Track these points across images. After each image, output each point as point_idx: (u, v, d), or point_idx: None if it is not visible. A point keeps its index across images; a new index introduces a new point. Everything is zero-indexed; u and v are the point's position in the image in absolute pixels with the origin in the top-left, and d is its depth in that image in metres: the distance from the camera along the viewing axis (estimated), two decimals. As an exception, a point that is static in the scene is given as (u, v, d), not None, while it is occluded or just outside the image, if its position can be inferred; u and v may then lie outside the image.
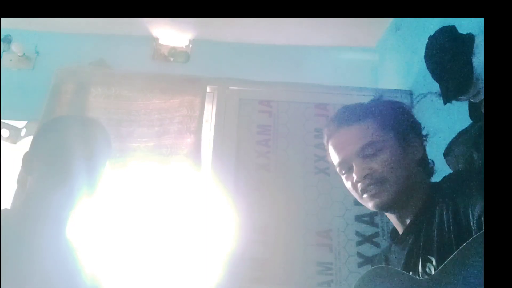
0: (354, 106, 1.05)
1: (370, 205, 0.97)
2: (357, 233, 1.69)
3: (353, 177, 0.97)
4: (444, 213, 0.86)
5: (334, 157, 1.03)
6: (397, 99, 1.13)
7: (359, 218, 1.71)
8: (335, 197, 1.74)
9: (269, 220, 1.68)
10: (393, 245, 1.03)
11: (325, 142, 1.07)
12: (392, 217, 1.01)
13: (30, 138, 1.69)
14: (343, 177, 1.03)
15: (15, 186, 1.52)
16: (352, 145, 0.97)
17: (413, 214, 0.95)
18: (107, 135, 1.15)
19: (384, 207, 0.96)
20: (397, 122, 1.00)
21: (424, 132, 1.04)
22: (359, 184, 0.96)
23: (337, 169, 1.03)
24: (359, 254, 1.65)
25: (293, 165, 1.78)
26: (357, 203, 1.72)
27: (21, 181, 1.48)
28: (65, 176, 0.98)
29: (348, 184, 1.01)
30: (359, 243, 1.66)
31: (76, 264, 1.01)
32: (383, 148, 0.95)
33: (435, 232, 0.87)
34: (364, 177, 0.94)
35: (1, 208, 0.97)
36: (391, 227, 1.09)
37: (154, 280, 1.71)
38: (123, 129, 1.81)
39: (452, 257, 0.69)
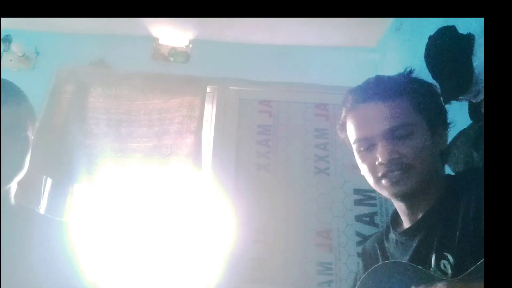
0: (387, 79, 0.94)
1: (386, 193, 0.88)
2: (357, 233, 1.69)
3: (376, 158, 0.87)
4: (472, 209, 0.78)
5: (354, 132, 0.92)
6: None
7: (359, 218, 1.71)
8: (335, 197, 1.74)
9: (269, 220, 1.68)
10: (392, 233, 0.96)
11: (343, 111, 0.97)
12: (402, 207, 0.92)
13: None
14: (358, 155, 0.93)
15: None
16: (381, 123, 0.87)
17: (427, 205, 0.88)
18: (21, 95, 1.01)
19: (403, 196, 0.88)
20: (429, 105, 0.90)
21: (448, 120, 0.95)
22: (381, 167, 0.86)
23: (354, 146, 0.93)
24: (359, 254, 1.64)
25: (293, 165, 1.79)
26: (357, 203, 1.74)
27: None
28: None
29: (363, 166, 0.91)
30: (359, 243, 1.66)
31: (74, 268, 1.00)
32: (414, 132, 0.86)
33: (458, 229, 0.79)
34: (390, 160, 0.85)
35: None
36: (391, 215, 1.02)
37: (154, 280, 1.71)
38: (123, 129, 1.81)
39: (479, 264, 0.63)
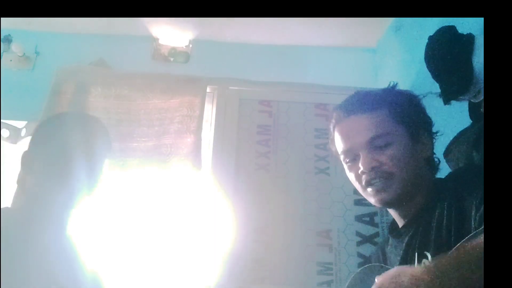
0: (367, 93, 1.00)
1: (373, 200, 0.94)
2: (357, 233, 1.69)
3: (359, 168, 0.92)
4: (446, 209, 0.84)
5: (340, 144, 0.99)
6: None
7: (359, 218, 1.71)
8: (335, 197, 1.74)
9: (269, 220, 1.68)
10: (390, 238, 1.01)
11: (331, 127, 1.03)
12: (393, 213, 0.98)
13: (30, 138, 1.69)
14: (345, 166, 0.99)
15: (15, 186, 1.52)
16: (361, 134, 0.93)
17: (415, 210, 0.93)
18: (107, 133, 1.14)
19: (388, 203, 0.93)
20: (410, 115, 0.95)
21: (434, 129, 1.00)
22: (364, 176, 0.92)
23: (341, 157, 0.99)
24: (359, 254, 1.65)
25: (293, 165, 1.78)
26: (357, 203, 1.74)
27: (21, 181, 1.48)
28: (66, 176, 0.97)
29: (351, 175, 0.98)
30: (359, 243, 1.66)
31: (78, 264, 1.01)
32: (393, 141, 0.92)
33: (433, 228, 0.85)
34: (371, 169, 0.90)
35: (2, 207, 0.96)
36: (390, 221, 1.08)
37: (154, 280, 1.71)
38: (123, 129, 1.81)
39: (446, 256, 0.68)
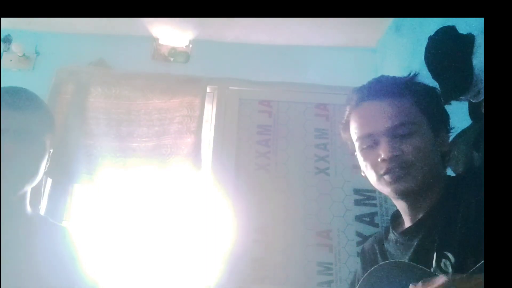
0: (391, 79, 0.96)
1: (388, 189, 0.89)
2: (357, 233, 1.69)
3: (379, 154, 0.88)
4: (473, 208, 0.79)
5: (357, 129, 0.94)
6: None
7: (359, 218, 1.71)
8: (335, 197, 1.74)
9: (269, 220, 1.68)
10: (394, 234, 0.96)
11: (347, 109, 0.98)
12: (403, 206, 0.93)
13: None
14: (361, 152, 0.94)
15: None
16: (385, 120, 0.89)
17: (428, 206, 0.89)
18: (45, 109, 1.02)
19: (404, 193, 0.89)
20: (432, 107, 0.93)
21: (451, 125, 0.97)
22: (383, 164, 0.88)
23: (357, 143, 0.95)
24: (359, 254, 1.64)
25: (293, 165, 1.79)
26: (357, 203, 1.74)
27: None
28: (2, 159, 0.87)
29: (365, 162, 0.93)
30: (359, 243, 1.66)
31: (74, 261, 1.00)
32: (417, 131, 0.88)
33: (458, 228, 0.80)
34: (393, 156, 0.86)
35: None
36: (392, 215, 1.03)
37: (154, 280, 1.71)
38: (123, 129, 1.81)
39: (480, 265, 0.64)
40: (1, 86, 1.00)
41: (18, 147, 0.90)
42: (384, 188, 0.90)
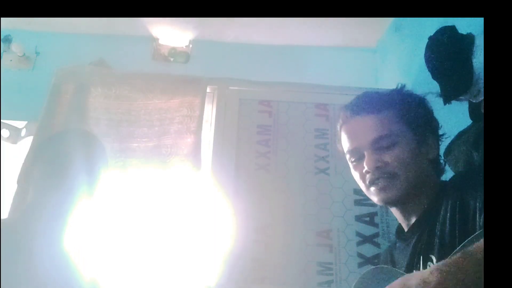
0: (374, 94, 1.02)
1: (376, 199, 0.95)
2: (357, 233, 1.69)
3: (363, 167, 0.94)
4: (449, 212, 0.84)
5: (346, 144, 1.01)
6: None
7: (359, 218, 1.71)
8: (335, 197, 1.74)
9: (269, 220, 1.68)
10: (398, 242, 1.02)
11: (338, 127, 1.05)
12: (397, 213, 0.99)
13: (30, 138, 1.70)
14: (351, 165, 1.01)
15: (15, 186, 1.52)
16: (366, 135, 0.95)
17: (419, 211, 0.93)
18: (104, 150, 1.21)
19: (391, 202, 0.94)
20: (415, 117, 0.97)
21: (440, 132, 1.01)
22: (368, 175, 0.94)
23: (347, 156, 1.01)
24: (359, 254, 1.65)
25: (293, 165, 1.78)
26: (357, 203, 1.74)
27: (21, 181, 1.48)
28: (63, 187, 1.01)
29: (356, 174, 1.00)
30: (359, 243, 1.66)
31: (74, 270, 1.00)
32: (398, 142, 0.93)
33: (438, 231, 0.85)
34: (375, 168, 0.92)
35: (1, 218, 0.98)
36: (392, 227, 1.08)
37: (154, 281, 1.71)
38: (123, 129, 1.81)
39: (452, 258, 0.67)
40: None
41: (80, 175, 1.06)
42: (373, 198, 0.96)
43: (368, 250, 1.64)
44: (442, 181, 1.00)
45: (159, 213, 1.80)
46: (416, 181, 0.92)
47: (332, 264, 1.63)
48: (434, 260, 0.83)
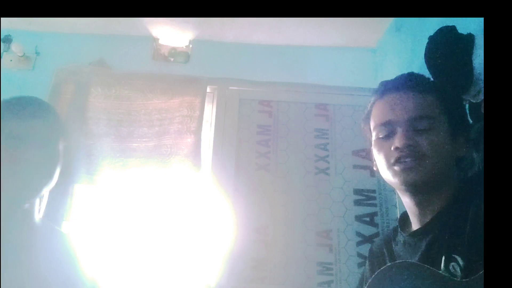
0: (420, 76, 0.99)
1: (397, 180, 0.89)
2: (357, 233, 1.69)
3: (394, 143, 0.90)
4: (480, 211, 0.79)
5: (378, 117, 0.96)
6: None
7: (359, 218, 1.71)
8: (335, 197, 1.74)
9: (269, 220, 1.68)
10: (401, 235, 0.96)
11: (372, 100, 1.01)
12: (409, 203, 0.94)
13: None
14: (376, 142, 0.96)
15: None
16: (405, 111, 0.91)
17: (437, 207, 0.89)
18: (57, 118, 1.03)
19: (412, 186, 0.89)
20: (455, 109, 0.94)
21: (472, 136, 0.99)
22: (396, 152, 0.89)
23: (374, 133, 0.96)
24: (359, 254, 1.65)
25: (293, 165, 1.79)
26: (357, 203, 1.74)
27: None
28: (17, 164, 0.89)
29: (379, 152, 0.94)
30: (359, 243, 1.67)
31: (75, 265, 1.00)
32: (435, 127, 0.90)
33: (467, 232, 0.80)
34: (406, 146, 0.88)
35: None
36: (391, 227, 1.04)
37: (154, 280, 1.71)
38: (123, 129, 1.81)
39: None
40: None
41: (31, 154, 0.92)
42: (392, 179, 0.90)
43: (368, 250, 1.64)
44: (462, 179, 0.96)
45: (159, 212, 1.80)
46: (442, 171, 0.88)
47: (332, 264, 1.63)
48: (461, 262, 0.79)
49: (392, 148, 0.90)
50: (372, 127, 0.98)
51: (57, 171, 0.99)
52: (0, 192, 0.88)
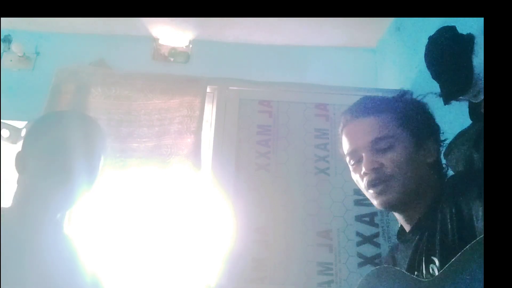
0: (375, 98, 1.04)
1: (375, 203, 0.95)
2: (357, 233, 1.69)
3: (362, 169, 0.95)
4: (448, 213, 0.84)
5: (346, 146, 1.01)
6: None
7: (359, 218, 1.71)
8: (335, 197, 1.74)
9: (269, 220, 1.68)
10: (399, 244, 1.02)
11: (339, 130, 1.06)
12: (399, 217, 0.99)
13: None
14: (351, 167, 1.02)
15: (15, 186, 1.52)
16: (365, 136, 0.96)
17: (421, 213, 0.94)
18: (102, 131, 1.11)
19: (390, 206, 0.94)
20: (415, 122, 0.97)
21: (442, 137, 1.02)
22: (365, 177, 0.94)
23: (347, 159, 1.02)
24: (359, 254, 1.65)
25: (293, 165, 1.78)
26: (357, 203, 1.74)
27: (19, 181, 1.48)
28: (66, 175, 0.94)
29: (355, 176, 1.01)
30: (359, 243, 1.66)
31: (77, 265, 1.00)
32: (395, 145, 0.93)
33: (438, 233, 0.85)
34: (371, 170, 0.93)
35: (1, 207, 0.96)
36: (392, 227, 1.08)
37: (154, 281, 1.71)
38: (123, 129, 1.81)
39: (453, 261, 0.67)
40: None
41: (79, 165, 0.97)
42: (372, 201, 0.97)
43: (368, 250, 1.65)
44: (440, 183, 1.00)
45: (159, 212, 1.80)
46: (413, 185, 0.92)
47: (332, 264, 1.63)
48: (437, 262, 0.83)
49: (361, 173, 0.96)
50: (345, 154, 1.04)
51: (95, 185, 1.04)
52: (38, 195, 0.95)
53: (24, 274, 0.87)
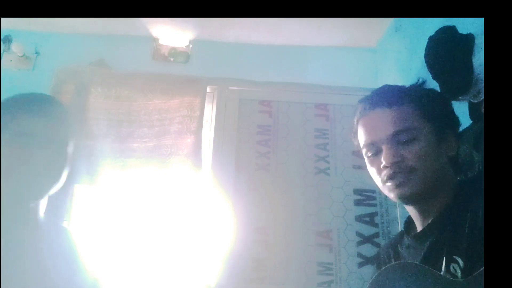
0: (394, 88, 1.00)
1: (392, 195, 0.91)
2: (357, 233, 1.69)
3: (381, 162, 0.91)
4: (479, 212, 0.80)
5: (363, 137, 0.97)
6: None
7: (359, 218, 1.71)
8: (335, 197, 1.74)
9: (269, 220, 1.68)
10: (406, 239, 0.98)
11: (355, 119, 1.02)
12: (412, 210, 0.96)
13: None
14: (367, 160, 0.97)
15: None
16: (386, 128, 0.92)
17: (437, 210, 0.90)
18: (68, 117, 1.01)
19: (408, 199, 0.91)
20: (436, 113, 0.94)
21: (460, 130, 0.98)
22: (385, 170, 0.90)
23: (363, 150, 0.98)
24: (359, 254, 1.65)
25: (293, 165, 1.79)
26: (357, 203, 1.74)
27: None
28: (25, 167, 0.88)
29: (372, 169, 0.96)
30: (359, 243, 1.67)
31: (75, 260, 1.00)
32: (417, 137, 0.90)
33: (466, 233, 0.81)
34: (393, 163, 0.89)
35: None
36: (392, 227, 1.05)
37: (154, 281, 1.71)
38: (123, 130, 1.81)
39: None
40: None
41: (41, 153, 0.90)
42: (389, 194, 0.92)
43: (368, 250, 1.65)
44: (461, 180, 0.97)
45: (159, 213, 1.80)
46: (434, 178, 0.89)
47: (332, 264, 1.63)
48: (461, 263, 0.79)
49: (381, 166, 0.92)
50: (361, 146, 0.99)
51: (65, 173, 0.97)
52: (4, 190, 0.87)
53: (24, 270, 0.87)
